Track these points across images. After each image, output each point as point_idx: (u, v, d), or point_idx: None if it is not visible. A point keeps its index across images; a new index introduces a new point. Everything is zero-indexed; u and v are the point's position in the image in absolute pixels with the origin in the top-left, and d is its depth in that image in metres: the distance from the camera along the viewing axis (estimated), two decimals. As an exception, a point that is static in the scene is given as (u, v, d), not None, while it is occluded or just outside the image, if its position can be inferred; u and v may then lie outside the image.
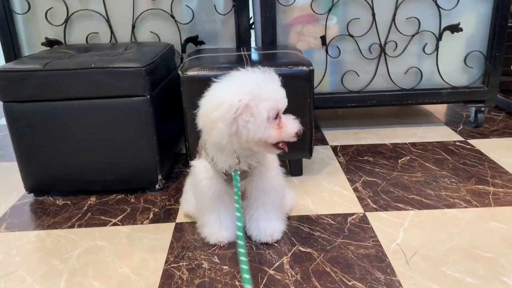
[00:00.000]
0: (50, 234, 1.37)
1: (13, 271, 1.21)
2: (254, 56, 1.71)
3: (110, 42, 2.00)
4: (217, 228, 1.26)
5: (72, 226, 1.41)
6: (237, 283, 1.12)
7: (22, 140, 1.51)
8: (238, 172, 1.15)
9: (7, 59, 1.97)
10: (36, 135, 1.50)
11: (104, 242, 1.32)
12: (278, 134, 1.09)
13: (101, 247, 1.30)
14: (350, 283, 1.11)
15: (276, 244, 1.27)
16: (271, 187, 1.25)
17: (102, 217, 1.46)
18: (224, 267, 1.18)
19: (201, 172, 1.22)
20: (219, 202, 1.25)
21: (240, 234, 0.99)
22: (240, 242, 0.96)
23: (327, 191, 1.58)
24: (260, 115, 1.05)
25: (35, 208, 1.54)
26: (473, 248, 1.23)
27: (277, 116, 1.09)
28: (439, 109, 2.47)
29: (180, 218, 1.43)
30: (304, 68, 1.51)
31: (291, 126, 1.10)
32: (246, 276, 0.89)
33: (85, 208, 1.52)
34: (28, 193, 1.61)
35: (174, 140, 1.80)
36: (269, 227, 1.28)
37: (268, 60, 1.60)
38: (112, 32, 1.99)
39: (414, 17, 1.98)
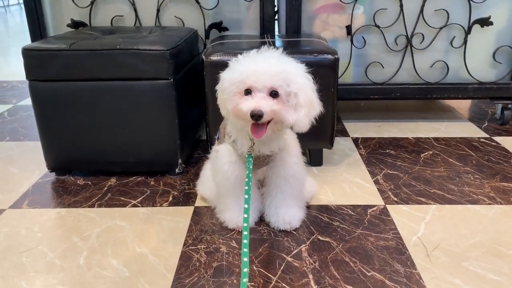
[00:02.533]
0: (70, 212, 1.39)
1: (35, 247, 1.22)
2: (278, 43, 1.69)
3: (134, 25, 2.01)
4: (237, 213, 1.26)
5: (92, 206, 1.42)
6: (254, 268, 1.12)
7: (46, 119, 1.53)
8: (252, 154, 1.15)
9: (33, 40, 1.99)
10: (59, 115, 1.51)
11: (124, 222, 1.33)
12: (233, 109, 1.06)
13: (120, 227, 1.31)
14: (369, 274, 1.09)
15: (294, 232, 1.26)
16: (291, 174, 1.24)
17: (122, 198, 1.47)
18: (242, 252, 1.18)
19: (224, 157, 1.22)
20: (241, 187, 1.23)
21: (246, 225, 1.00)
22: (245, 239, 0.97)
23: (347, 182, 1.56)
24: (223, 86, 1.09)
25: (57, 186, 1.56)
26: (496, 245, 1.20)
27: (250, 93, 1.05)
28: (463, 105, 2.41)
29: (199, 202, 1.43)
30: (329, 56, 1.49)
31: (247, 105, 1.03)
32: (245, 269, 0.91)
33: (105, 188, 1.53)
34: (50, 172, 1.63)
35: (195, 125, 1.80)
36: (288, 214, 1.27)
37: (292, 47, 1.58)
38: (136, 15, 1.99)
39: (443, 9, 1.93)
